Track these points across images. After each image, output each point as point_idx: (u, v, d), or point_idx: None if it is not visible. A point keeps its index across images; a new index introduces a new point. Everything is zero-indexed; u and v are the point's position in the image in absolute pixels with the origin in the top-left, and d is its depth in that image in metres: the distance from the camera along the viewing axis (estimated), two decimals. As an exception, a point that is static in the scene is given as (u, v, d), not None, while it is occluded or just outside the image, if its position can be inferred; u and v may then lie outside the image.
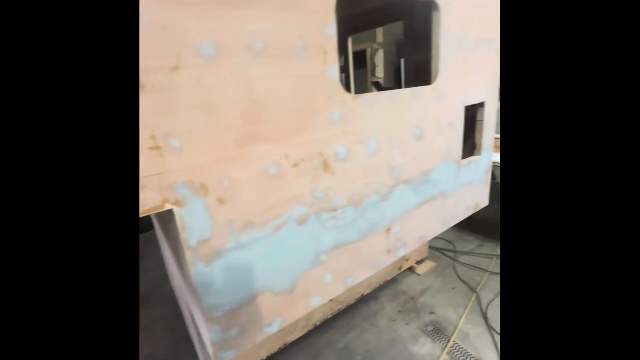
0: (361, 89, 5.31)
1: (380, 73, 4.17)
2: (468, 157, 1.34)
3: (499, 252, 1.92)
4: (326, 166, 0.83)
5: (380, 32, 4.09)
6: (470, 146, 1.38)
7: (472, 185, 1.36)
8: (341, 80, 2.18)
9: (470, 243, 2.06)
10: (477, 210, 1.45)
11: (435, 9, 0.99)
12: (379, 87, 2.05)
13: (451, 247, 2.03)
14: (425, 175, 1.12)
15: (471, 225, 2.25)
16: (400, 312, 1.51)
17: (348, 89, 2.17)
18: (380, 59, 4.12)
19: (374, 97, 0.89)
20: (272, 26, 0.66)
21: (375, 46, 4.16)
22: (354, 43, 4.50)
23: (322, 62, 0.75)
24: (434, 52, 1.04)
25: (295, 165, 0.76)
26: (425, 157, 1.09)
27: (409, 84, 1.44)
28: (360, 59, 4.69)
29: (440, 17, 0.99)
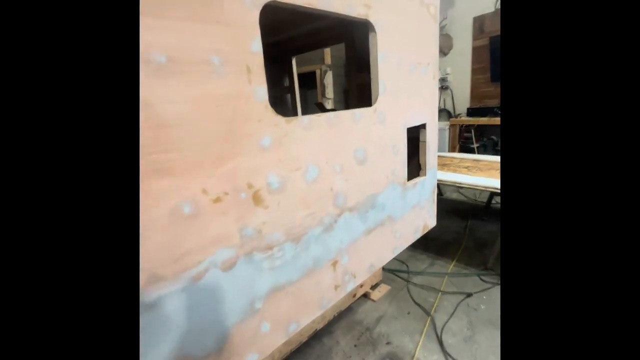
0: (313, 109, 5.34)
1: (330, 94, 4.23)
2: (413, 178, 1.32)
3: (448, 270, 1.94)
4: (257, 199, 0.72)
5: (328, 54, 4.18)
6: (414, 167, 1.37)
7: (419, 207, 1.34)
8: (286, 101, 2.11)
9: (422, 262, 2.06)
10: (426, 231, 1.44)
11: (372, 30, 0.97)
12: (322, 109, 2.02)
13: (404, 268, 2.00)
14: (371, 200, 1.06)
15: (423, 244, 2.27)
16: (355, 345, 1.41)
17: (294, 109, 2.11)
18: (329, 80, 4.19)
19: (310, 119, 0.81)
20: (178, 38, 0.55)
21: (323, 67, 4.23)
22: (303, 64, 4.58)
23: (247, 82, 0.66)
24: (372, 74, 1.01)
25: (217, 200, 0.64)
26: (370, 181, 1.04)
27: (352, 106, 1.42)
28: (311, 79, 4.74)
29: (376, 39, 0.97)
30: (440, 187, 3.33)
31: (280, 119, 0.74)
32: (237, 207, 0.68)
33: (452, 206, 3.01)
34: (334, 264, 0.96)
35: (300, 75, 5.09)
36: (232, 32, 0.62)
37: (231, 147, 0.65)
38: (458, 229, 2.51)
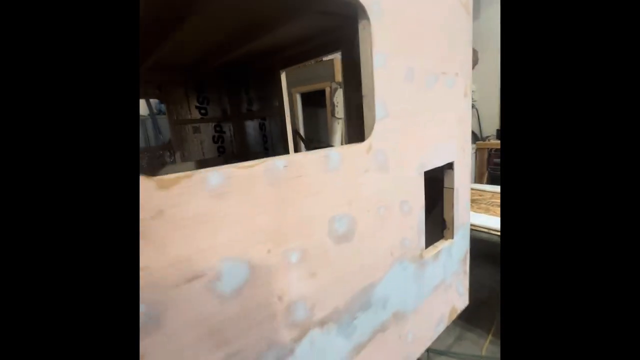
0: (324, 128, 5.05)
1: (340, 113, 3.88)
2: (433, 242, 0.89)
3: (483, 351, 1.44)
4: None
5: (338, 71, 3.87)
6: (434, 223, 0.94)
7: (444, 286, 0.90)
8: (279, 129, 1.72)
9: (446, 334, 1.57)
10: (455, 316, 0.98)
11: (363, 17, 0.57)
12: (300, 139, 1.62)
13: (423, 341, 1.52)
14: (362, 298, 0.63)
15: (446, 303, 1.77)
16: None
17: (284, 138, 1.74)
18: (340, 99, 3.85)
19: (225, 177, 0.41)
20: None
21: (334, 85, 3.91)
22: (311, 81, 4.27)
23: None
24: (364, 89, 0.61)
25: None
26: (360, 267, 0.62)
27: (351, 137, 1.02)
28: (320, 97, 4.46)
29: (371, 32, 0.58)
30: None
31: (146, 183, 0.34)
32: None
33: (482, 250, 2.48)
34: None
35: (308, 94, 4.81)
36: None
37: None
38: (492, 282, 2.00)
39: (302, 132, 5.29)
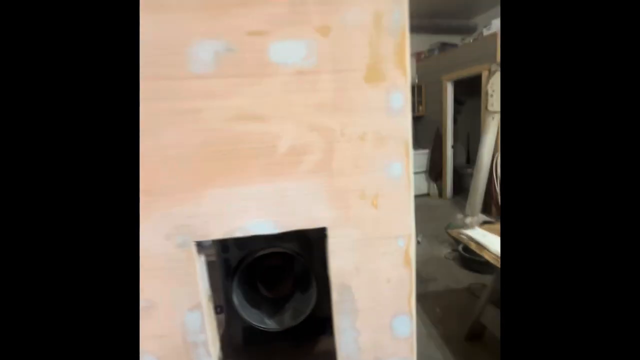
0: (475, 124, 4.07)
1: (496, 105, 2.90)
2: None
3: None
4: None
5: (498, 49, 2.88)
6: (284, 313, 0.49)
7: None
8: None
9: None
10: None
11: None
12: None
13: None
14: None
15: None
16: None
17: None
18: (496, 85, 2.88)
19: None
20: None
21: (493, 67, 2.96)
22: (467, 65, 3.48)
23: None
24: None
25: None
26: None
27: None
28: (477, 85, 3.55)
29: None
30: None
31: None
32: None
33: None
34: None
35: (461, 82, 3.94)
36: None
37: None
38: None
39: (449, 129, 4.33)
